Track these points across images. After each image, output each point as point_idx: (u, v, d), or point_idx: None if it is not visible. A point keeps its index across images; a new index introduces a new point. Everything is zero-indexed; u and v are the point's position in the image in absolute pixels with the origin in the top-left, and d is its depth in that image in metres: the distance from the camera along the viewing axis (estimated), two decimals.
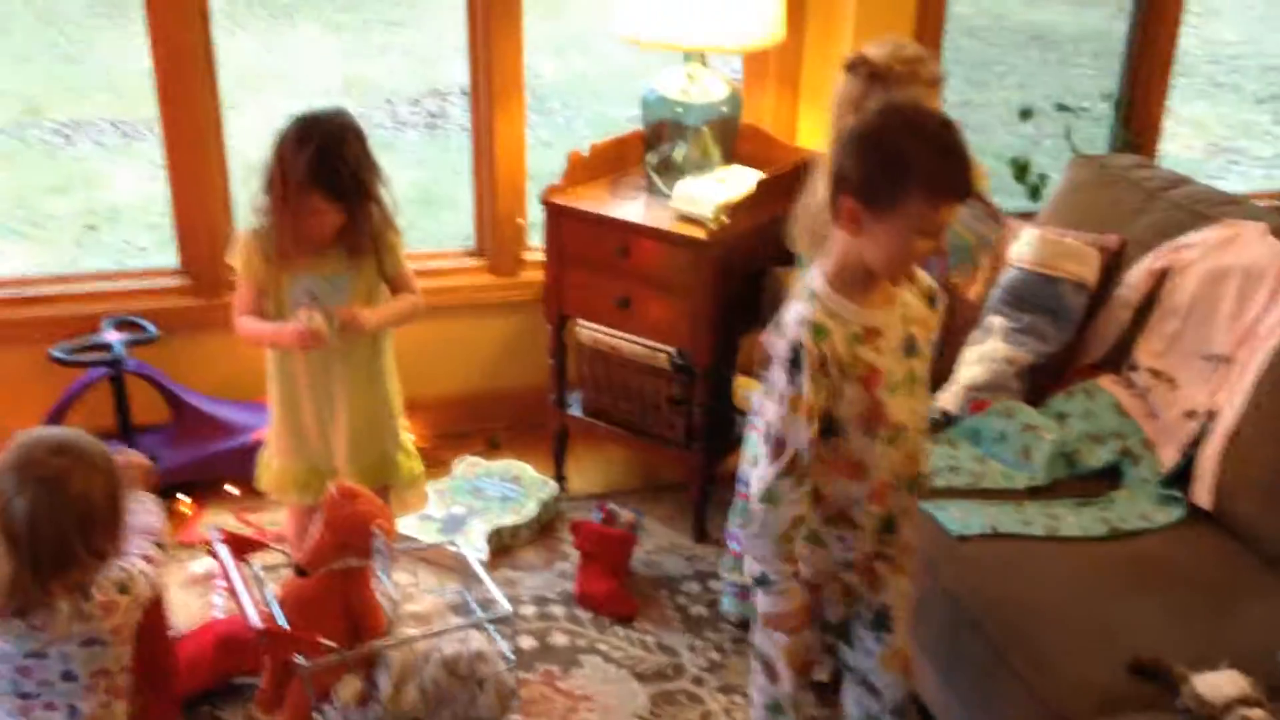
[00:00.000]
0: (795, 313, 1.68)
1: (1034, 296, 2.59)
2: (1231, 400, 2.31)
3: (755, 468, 1.74)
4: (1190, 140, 6.13)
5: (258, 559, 2.19)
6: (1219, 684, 1.76)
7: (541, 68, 7.04)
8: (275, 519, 2.82)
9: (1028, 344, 2.57)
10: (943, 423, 2.54)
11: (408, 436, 2.56)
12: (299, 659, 1.89)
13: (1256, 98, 6.83)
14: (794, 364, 1.65)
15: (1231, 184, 5.61)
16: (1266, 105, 6.70)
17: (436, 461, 3.13)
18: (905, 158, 1.60)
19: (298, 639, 1.89)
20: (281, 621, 1.94)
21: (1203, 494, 2.29)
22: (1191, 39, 5.82)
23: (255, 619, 1.92)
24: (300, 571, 1.96)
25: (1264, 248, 2.42)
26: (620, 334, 2.94)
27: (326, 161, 2.17)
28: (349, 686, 1.96)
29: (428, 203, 5.37)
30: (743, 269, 2.81)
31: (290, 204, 2.20)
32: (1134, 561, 2.15)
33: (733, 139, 3.01)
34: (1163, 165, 3.00)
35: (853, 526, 1.80)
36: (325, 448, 2.39)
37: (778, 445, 1.67)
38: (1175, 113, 4.35)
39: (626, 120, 3.18)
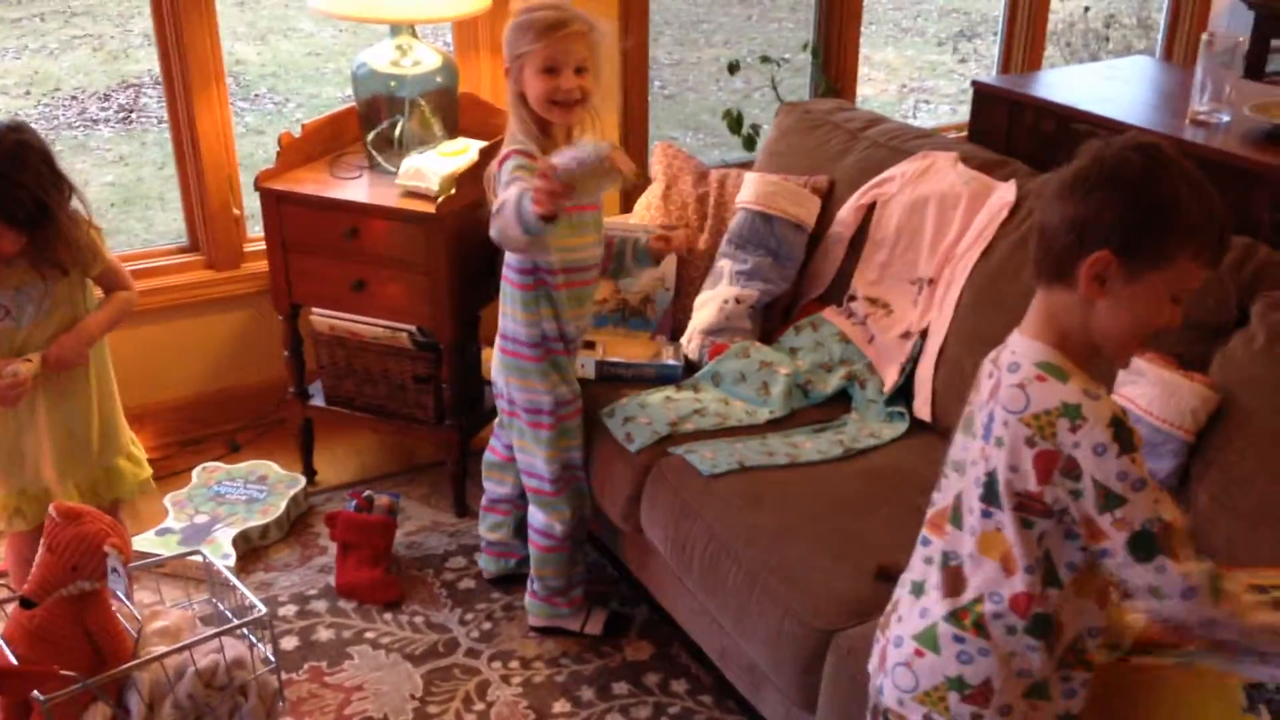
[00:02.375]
0: (1059, 391, 1.36)
1: (756, 238, 2.70)
2: (938, 318, 2.49)
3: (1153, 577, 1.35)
4: (884, 83, 6.53)
5: None
6: None
7: (243, 54, 6.73)
8: None
9: (754, 284, 2.68)
10: (685, 370, 2.62)
11: (132, 443, 2.41)
12: (37, 695, 1.75)
13: (938, 40, 7.34)
14: (1121, 438, 1.33)
15: (923, 120, 6.03)
16: (947, 46, 7.21)
17: (172, 471, 2.97)
18: (1179, 206, 1.34)
19: (31, 673, 1.76)
20: (10, 658, 1.79)
21: (922, 407, 2.46)
22: None
23: None
24: (26, 603, 1.81)
25: (955, 175, 2.61)
26: (357, 318, 2.87)
27: (5, 189, 2.02)
28: (97, 715, 1.83)
29: (131, 202, 5.04)
30: (476, 239, 2.79)
31: None
32: (869, 476, 2.29)
33: (452, 110, 2.97)
34: (861, 107, 3.17)
35: (1086, 667, 1.49)
36: (34, 467, 2.22)
37: (1165, 532, 1.34)
38: (869, 58, 4.62)
39: (341, 100, 3.08)
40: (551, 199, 1.98)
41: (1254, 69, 3.63)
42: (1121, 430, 1.33)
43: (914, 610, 1.51)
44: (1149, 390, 2.02)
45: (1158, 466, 1.98)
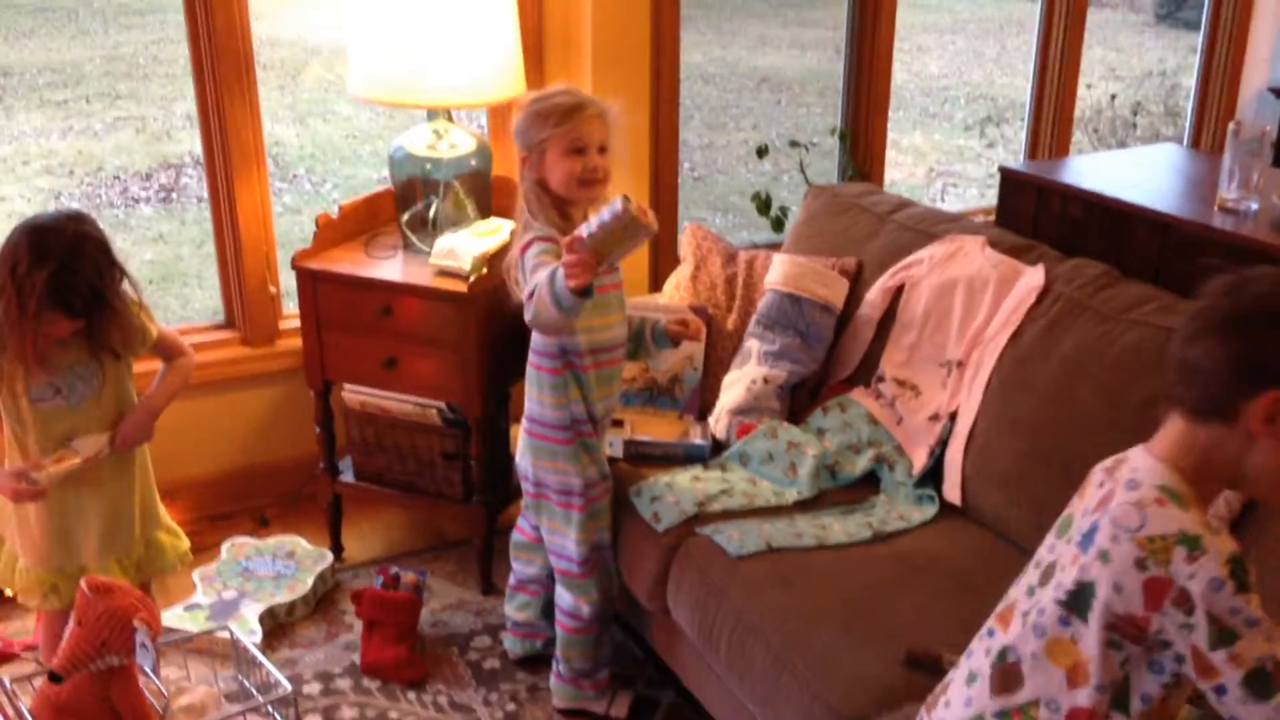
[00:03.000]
0: (1179, 518, 1.33)
1: (784, 319, 2.72)
2: (967, 401, 2.49)
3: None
4: (912, 168, 6.60)
5: (6, 671, 2.02)
6: None
7: (283, 136, 6.89)
8: (23, 627, 2.61)
9: (782, 364, 2.69)
10: (713, 450, 2.62)
11: (166, 516, 2.43)
12: None
13: (965, 124, 7.42)
14: (1237, 576, 1.30)
15: (950, 204, 6.08)
16: (974, 131, 7.29)
17: (202, 546, 2.98)
18: None
19: None
20: None
21: (952, 490, 2.45)
22: (903, 74, 6.27)
23: None
24: (54, 678, 1.81)
25: (983, 259, 2.62)
26: (388, 394, 2.89)
27: (64, 279, 2.07)
28: None
29: (170, 279, 5.13)
30: (506, 318, 2.82)
31: (26, 321, 2.07)
32: (898, 560, 2.27)
33: (486, 192, 3.03)
34: (889, 191, 3.21)
35: None
36: (75, 544, 2.24)
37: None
38: (896, 142, 4.68)
39: (376, 181, 3.15)
40: (583, 269, 2.01)
41: None
42: (1239, 569, 1.31)
43: (962, 696, 1.49)
44: None
45: None
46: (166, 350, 2.36)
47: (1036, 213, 2.88)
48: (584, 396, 2.38)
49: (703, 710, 2.45)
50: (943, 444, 2.50)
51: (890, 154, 3.99)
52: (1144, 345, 2.22)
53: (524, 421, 2.45)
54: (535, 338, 2.37)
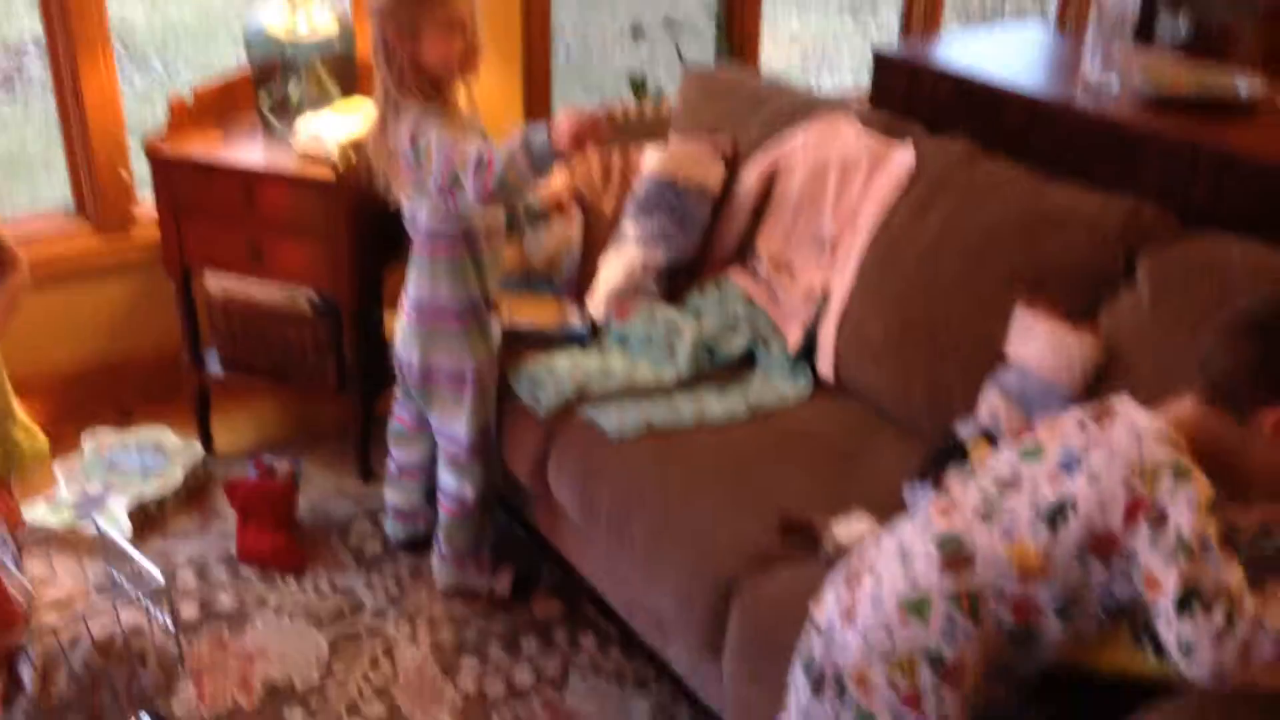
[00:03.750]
0: (1175, 454, 1.42)
1: (661, 201, 2.71)
2: (840, 279, 2.53)
3: None
4: (787, 50, 6.57)
5: None
6: (853, 527, 1.94)
7: (131, 16, 6.50)
8: None
9: (659, 247, 2.68)
10: (592, 333, 2.62)
11: (22, 412, 2.33)
12: None
13: (839, 7, 7.40)
14: (1213, 510, 1.39)
15: (826, 87, 6.08)
16: (847, 13, 7.28)
17: (62, 441, 2.88)
18: None
19: None
20: None
21: (825, 366, 2.50)
22: None
23: None
24: None
25: (855, 139, 2.64)
26: (255, 283, 2.81)
27: None
28: None
29: (15, 168, 4.85)
30: (376, 203, 2.74)
31: None
32: (774, 434, 2.32)
33: (351, 73, 2.91)
34: (764, 74, 3.19)
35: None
36: None
37: (1217, 592, 1.37)
38: (774, 25, 4.63)
39: (234, 65, 3.00)
40: (588, 140, 2.05)
41: (1143, 37, 3.74)
42: (1214, 506, 1.38)
43: (900, 575, 1.53)
44: (1039, 346, 2.08)
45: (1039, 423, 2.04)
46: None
47: (908, 93, 2.90)
48: (480, 279, 2.35)
49: (585, 583, 2.50)
50: (817, 321, 2.54)
51: (765, 36, 3.96)
52: (1009, 218, 2.28)
53: (409, 310, 2.40)
54: (429, 222, 2.31)
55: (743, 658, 1.93)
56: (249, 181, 2.67)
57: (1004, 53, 2.97)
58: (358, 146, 2.62)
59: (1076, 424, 1.54)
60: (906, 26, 4.19)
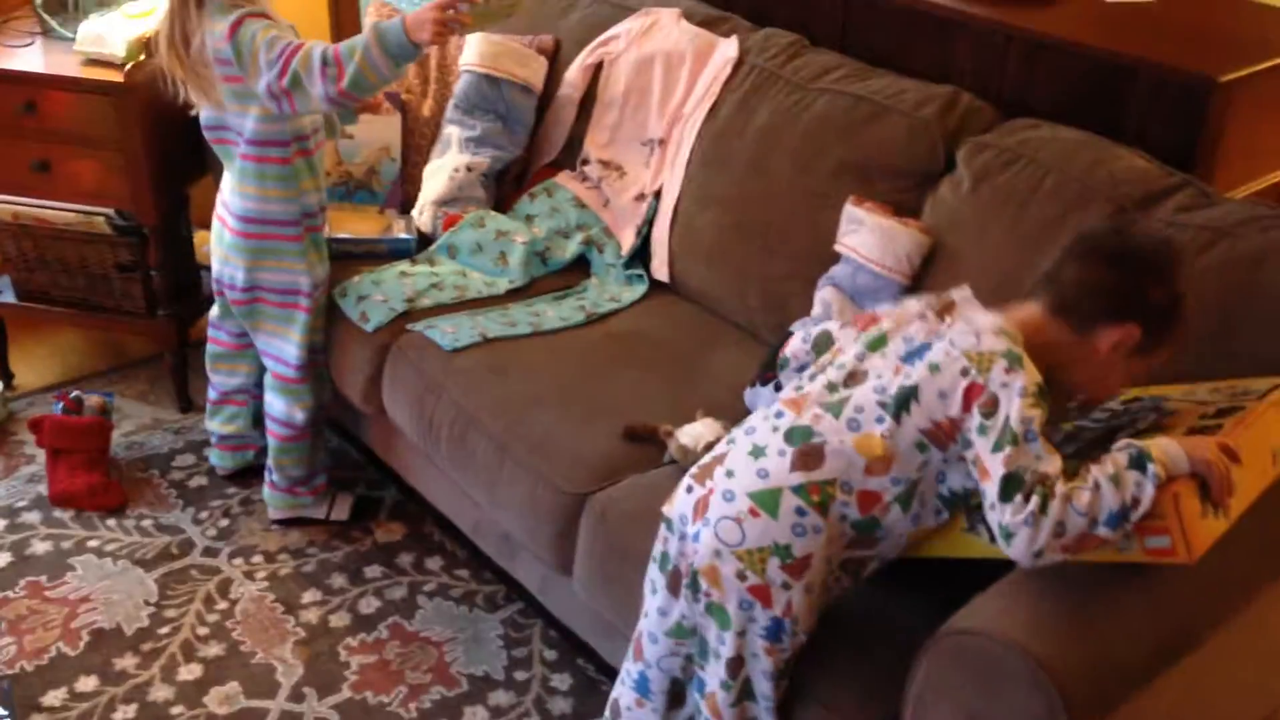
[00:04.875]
0: (1009, 345, 1.47)
1: (484, 102, 2.61)
2: (670, 179, 2.49)
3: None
4: None
5: None
6: (697, 432, 1.94)
7: None
8: None
9: (485, 150, 2.59)
10: (419, 244, 2.52)
11: None
12: None
13: None
14: (1039, 396, 1.45)
15: None
16: None
17: None
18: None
19: None
20: None
21: (660, 268, 2.48)
22: None
23: None
24: None
25: (679, 32, 2.58)
26: (45, 203, 2.59)
27: None
28: None
29: None
30: (175, 110, 2.54)
31: None
32: (611, 340, 2.29)
33: None
34: None
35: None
36: None
37: (1035, 480, 1.43)
38: None
39: None
40: (448, 32, 2.00)
41: None
42: (1041, 392, 1.45)
43: (751, 469, 1.55)
44: (868, 239, 2.11)
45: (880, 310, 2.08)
46: None
47: None
48: (316, 186, 2.26)
49: (427, 504, 2.44)
50: (649, 223, 2.51)
51: None
52: (833, 112, 2.28)
53: (234, 221, 2.25)
54: (255, 127, 2.15)
55: (594, 569, 1.92)
56: (28, 90, 2.46)
57: None
58: (149, 45, 2.42)
59: (918, 315, 1.58)
60: None
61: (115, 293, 2.68)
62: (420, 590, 2.33)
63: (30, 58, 2.52)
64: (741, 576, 1.53)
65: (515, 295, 2.41)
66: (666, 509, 1.65)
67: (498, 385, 2.14)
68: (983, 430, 1.44)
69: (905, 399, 1.50)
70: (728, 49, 2.50)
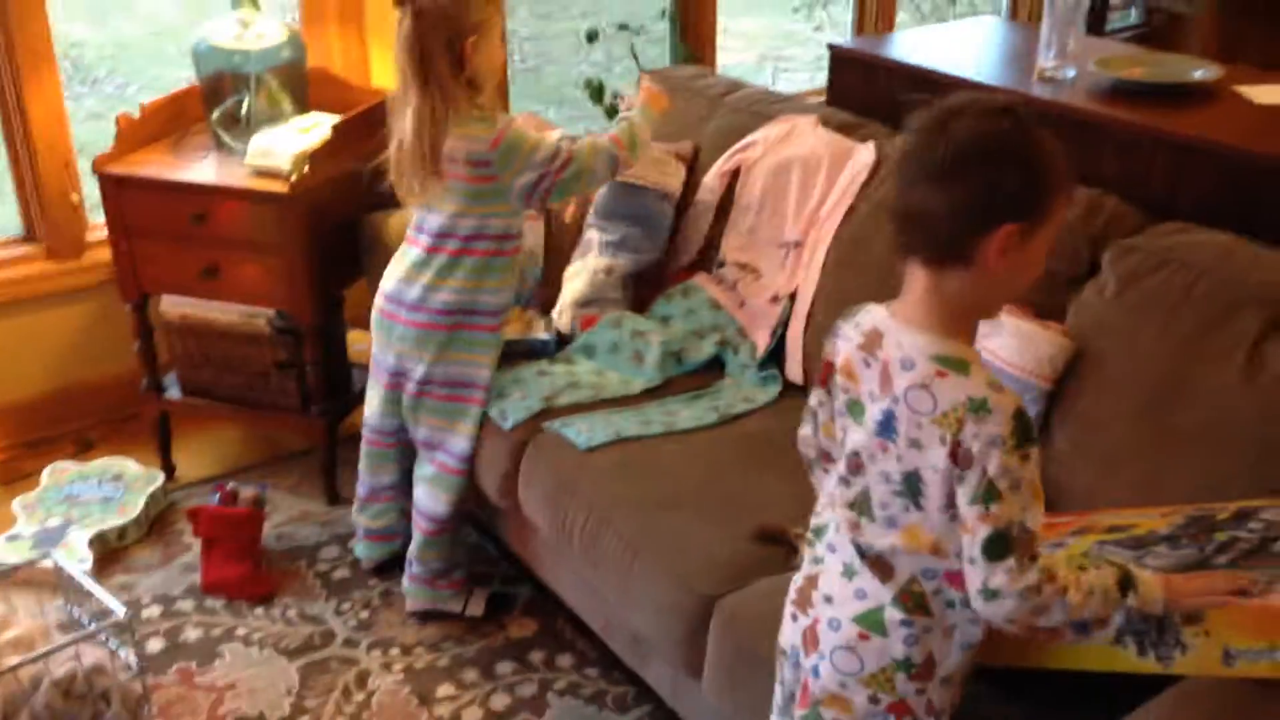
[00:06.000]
0: (964, 385, 1.34)
1: (623, 208, 2.68)
2: (806, 281, 2.51)
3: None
4: (743, 52, 6.57)
5: None
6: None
7: (81, 35, 6.40)
8: None
9: (623, 254, 2.65)
10: (558, 343, 2.58)
11: None
12: None
13: (793, 7, 7.41)
14: (1019, 432, 1.33)
15: (782, 87, 6.08)
16: (801, 13, 7.29)
17: (19, 475, 2.82)
18: (1054, 160, 1.35)
19: None
20: None
21: (794, 369, 2.48)
22: None
23: None
24: None
25: (815, 138, 2.62)
26: (212, 304, 2.75)
27: None
28: None
29: None
30: (334, 218, 2.71)
31: None
32: (744, 441, 2.29)
33: (301, 85, 2.87)
34: (720, 74, 3.17)
35: None
36: None
37: (1023, 538, 1.35)
38: (728, 27, 4.61)
39: (186, 82, 2.94)
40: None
41: (1095, 26, 3.76)
42: (1022, 422, 1.33)
43: (848, 591, 1.48)
44: (1008, 341, 2.07)
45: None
46: None
47: (865, 90, 2.89)
48: (513, 285, 2.40)
49: (560, 602, 2.46)
50: (784, 324, 2.52)
51: (721, 38, 3.95)
52: None
53: (425, 315, 2.33)
54: (494, 222, 2.28)
55: (723, 673, 1.89)
56: (201, 199, 2.61)
57: (959, 47, 2.97)
58: (312, 158, 2.58)
59: (862, 362, 1.45)
60: (860, 24, 4.18)
61: (272, 389, 2.81)
62: (551, 688, 2.33)
63: (204, 170, 2.69)
64: (875, 700, 1.47)
65: (650, 395, 2.44)
66: (780, 639, 1.60)
67: (631, 484, 2.16)
68: (962, 480, 1.34)
69: (913, 484, 1.40)
70: (865, 154, 2.52)
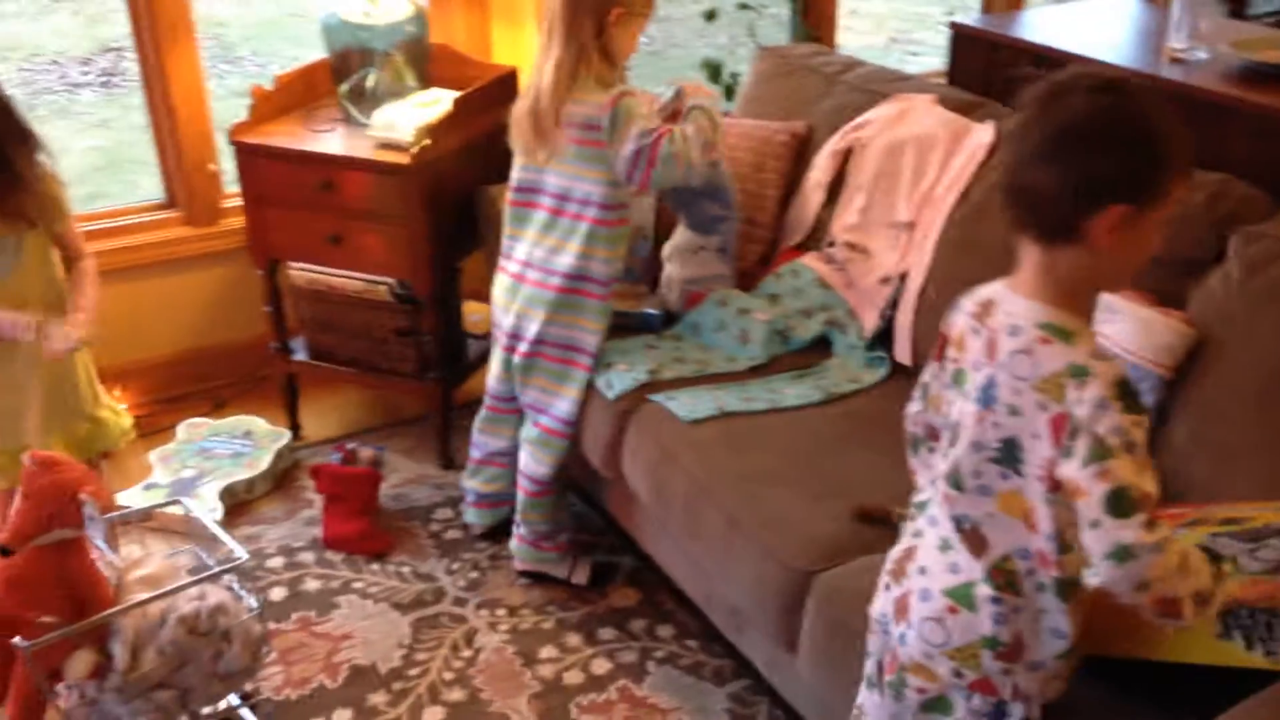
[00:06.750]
0: (1065, 353, 1.34)
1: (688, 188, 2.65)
2: (918, 262, 2.49)
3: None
4: (871, 34, 6.48)
5: None
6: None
7: (224, 15, 6.66)
8: None
9: (705, 229, 2.61)
10: (664, 319, 2.61)
11: (107, 397, 2.41)
12: (18, 641, 1.77)
13: None
14: (1125, 398, 1.32)
15: (911, 70, 5.97)
16: None
17: (157, 428, 2.98)
18: (1168, 139, 1.33)
19: (12, 619, 1.77)
20: None
21: (903, 352, 2.46)
22: None
23: None
24: (4, 551, 1.81)
25: (932, 118, 2.59)
26: (337, 271, 2.86)
27: None
28: (80, 661, 1.84)
29: (115, 166, 5.01)
30: (453, 191, 2.78)
31: None
32: (848, 419, 2.29)
33: (425, 60, 2.95)
34: (839, 52, 3.14)
35: None
36: (17, 423, 2.23)
37: (1143, 500, 1.32)
38: (855, 10, 4.56)
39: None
40: None
41: (1238, 9, 3.61)
42: (1127, 390, 1.31)
43: (942, 564, 1.48)
44: (1126, 327, 2.02)
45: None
46: (68, 243, 2.27)
47: (987, 69, 2.84)
48: (622, 255, 2.43)
49: (661, 572, 2.50)
50: (893, 306, 2.50)
51: (848, 20, 3.92)
52: None
53: (546, 278, 2.40)
54: (602, 190, 2.33)
55: (819, 649, 1.91)
56: (327, 169, 2.71)
57: (1087, 26, 2.90)
58: (433, 131, 2.66)
59: (971, 331, 1.45)
60: (990, 3, 4.10)
61: (391, 355, 2.91)
62: (650, 657, 2.38)
63: (331, 142, 2.79)
64: (958, 674, 1.48)
65: (755, 372, 2.46)
66: (870, 608, 1.61)
67: (732, 458, 2.18)
68: (1069, 453, 1.32)
69: (1011, 450, 1.39)
70: (983, 134, 2.49)
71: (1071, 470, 1.32)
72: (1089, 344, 1.36)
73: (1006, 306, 1.41)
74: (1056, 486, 1.37)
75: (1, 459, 2.21)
